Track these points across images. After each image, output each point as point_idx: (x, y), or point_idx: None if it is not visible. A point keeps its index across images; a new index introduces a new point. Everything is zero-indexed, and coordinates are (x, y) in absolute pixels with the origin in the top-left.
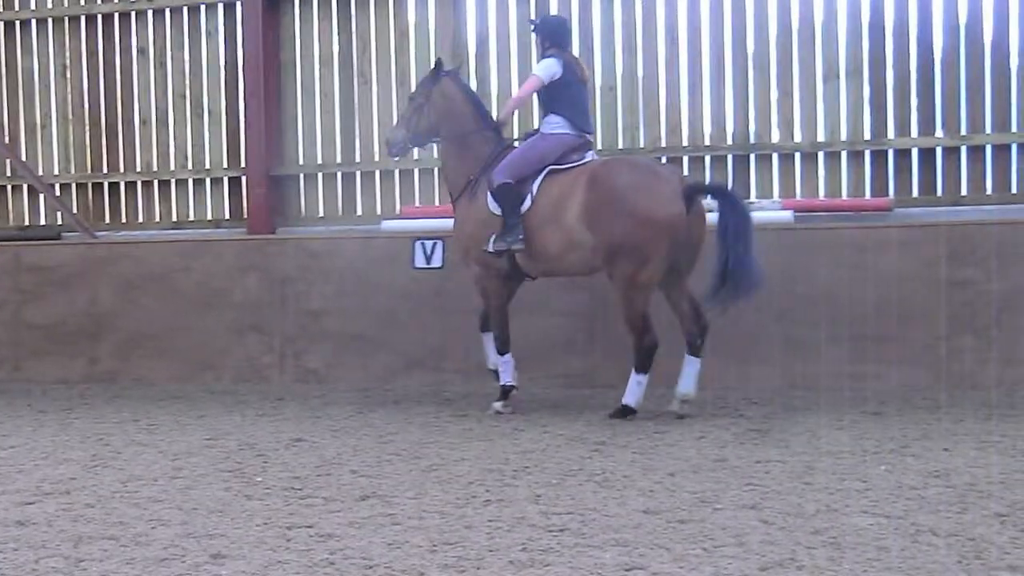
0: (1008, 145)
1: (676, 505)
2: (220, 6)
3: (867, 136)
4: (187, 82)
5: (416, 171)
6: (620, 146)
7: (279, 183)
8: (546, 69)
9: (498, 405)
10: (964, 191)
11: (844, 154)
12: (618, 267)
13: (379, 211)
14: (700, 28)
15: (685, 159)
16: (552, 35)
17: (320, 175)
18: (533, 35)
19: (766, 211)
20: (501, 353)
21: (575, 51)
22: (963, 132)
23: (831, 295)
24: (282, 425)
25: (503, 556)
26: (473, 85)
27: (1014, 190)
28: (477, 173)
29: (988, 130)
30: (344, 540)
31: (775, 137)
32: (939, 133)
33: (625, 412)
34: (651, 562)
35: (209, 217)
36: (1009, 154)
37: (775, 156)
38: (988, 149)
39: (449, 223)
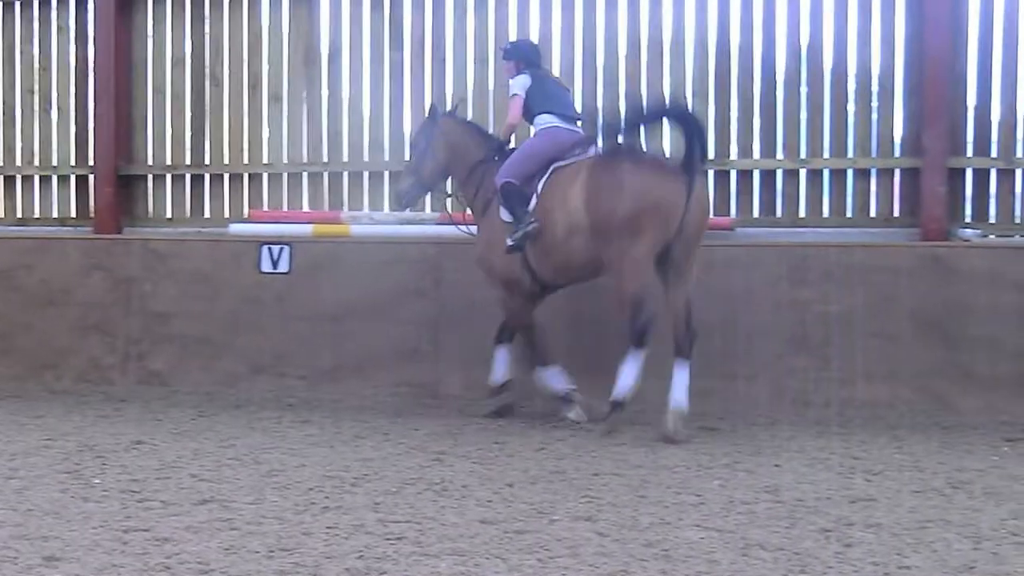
0: (844, 170)
1: (513, 515)
2: (72, 2)
3: (711, 156)
4: (36, 77)
5: (265, 176)
6: None
7: (127, 183)
8: (519, 85)
9: (572, 415)
10: (803, 213)
11: None
12: (612, 243)
13: (227, 214)
14: (551, 41)
15: None
16: (524, 57)
17: (169, 176)
18: (505, 62)
19: None
20: (545, 365)
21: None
22: (803, 155)
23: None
24: (122, 427)
25: (340, 563)
26: (324, 92)
27: (849, 214)
28: (491, 194)
29: (826, 154)
30: (181, 544)
31: None
32: (780, 155)
33: (619, 406)
34: (486, 572)
35: (55, 215)
36: (845, 179)
37: None
38: (826, 173)
39: (297, 228)
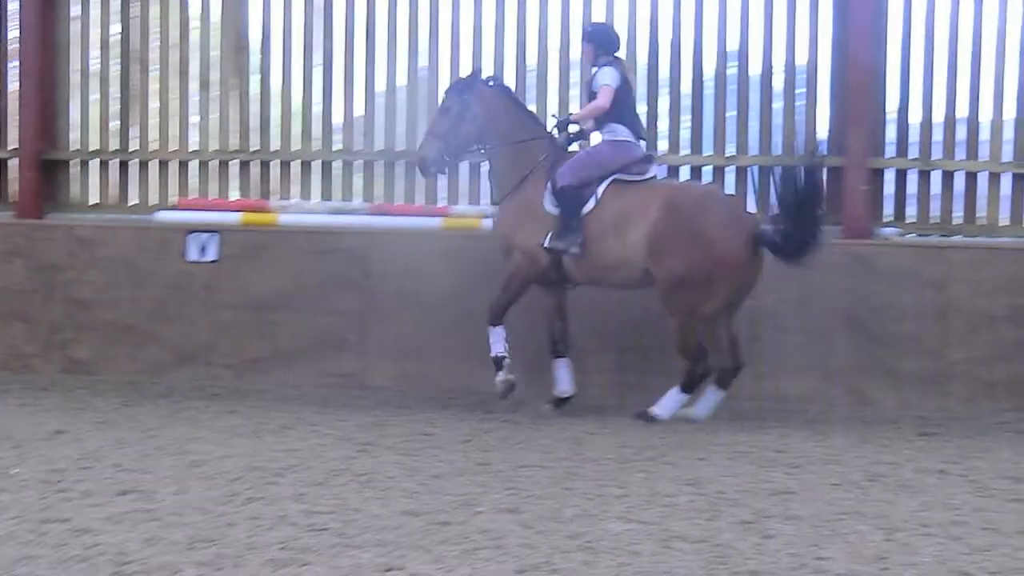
0: (770, 167)
1: (438, 507)
2: None
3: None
4: None
5: (195, 163)
6: (400, 149)
7: (51, 168)
8: (612, 77)
9: (500, 376)
10: None
11: None
12: (682, 297)
13: (153, 201)
14: (482, 33)
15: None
16: (604, 44)
17: (94, 161)
18: (583, 43)
19: None
20: (494, 324)
21: None
22: (730, 153)
23: (601, 306)
24: (43, 416)
25: (262, 554)
26: (255, 80)
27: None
28: (526, 174)
29: (753, 152)
30: (100, 535)
31: None
32: (709, 152)
33: (651, 418)
34: (409, 563)
35: None
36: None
37: None
38: (752, 171)
39: (225, 216)
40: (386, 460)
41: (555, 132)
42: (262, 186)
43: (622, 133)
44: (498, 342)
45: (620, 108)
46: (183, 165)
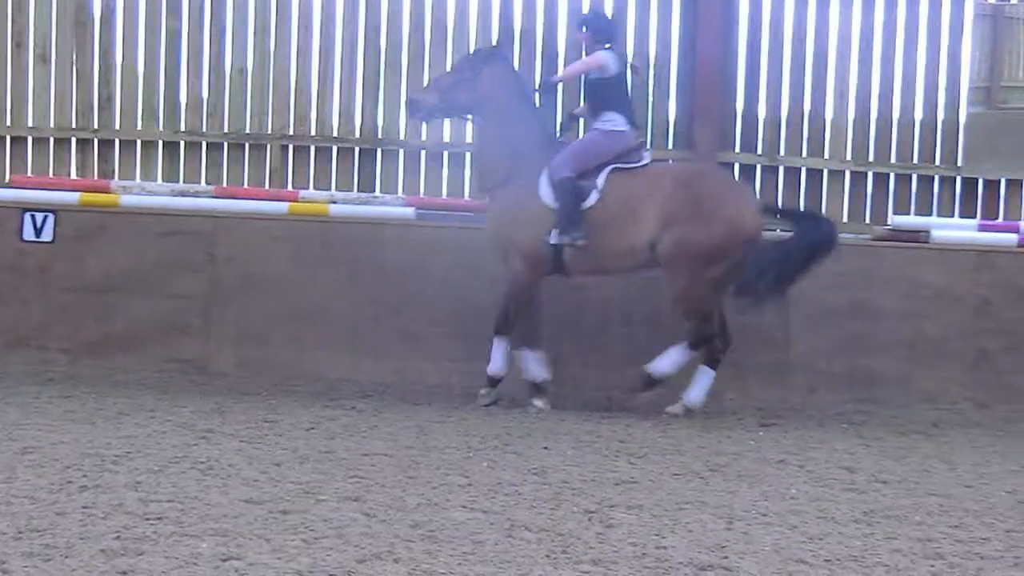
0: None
1: (279, 495)
2: None
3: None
4: None
5: (29, 139)
6: (248, 131)
7: None
8: (609, 59)
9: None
10: None
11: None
12: (689, 261)
13: None
14: (335, 17)
15: (312, 148)
16: (601, 31)
17: None
18: (578, 29)
19: (389, 206)
20: (499, 334)
21: None
22: None
23: (448, 292)
24: None
25: (95, 544)
26: (96, 54)
27: None
28: (519, 162)
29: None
30: None
31: (403, 134)
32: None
33: (653, 382)
34: (248, 552)
35: None
36: None
37: (401, 152)
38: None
39: (63, 196)
40: (227, 447)
41: (538, 97)
42: (103, 166)
43: (619, 122)
44: (498, 358)
45: (614, 96)
46: (18, 140)
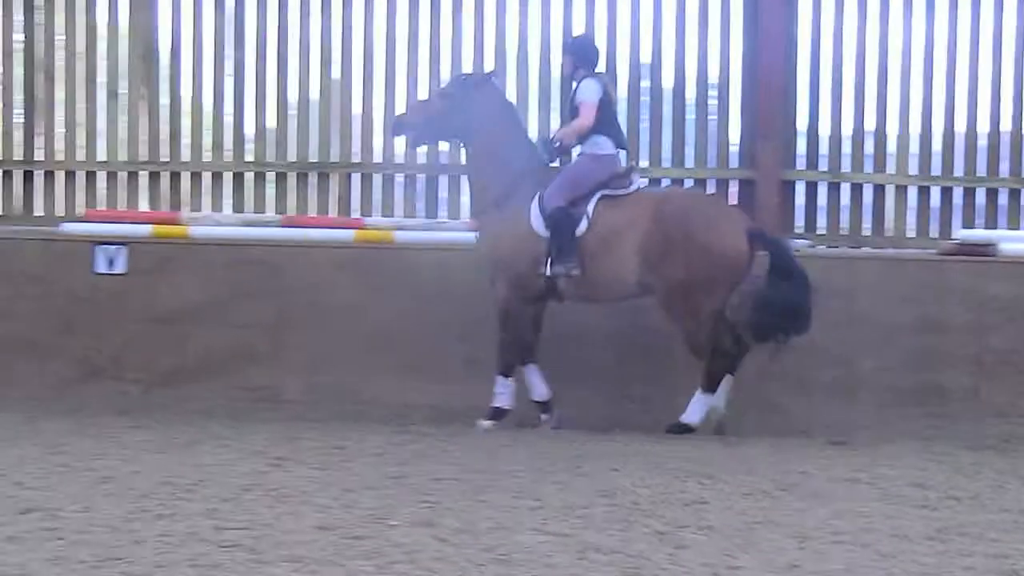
0: (683, 180)
1: (351, 521)
2: None
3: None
4: None
5: (103, 174)
6: (313, 160)
7: None
8: (592, 92)
9: (486, 423)
10: None
11: None
12: (685, 301)
13: (60, 212)
14: (396, 46)
15: (376, 176)
16: (584, 56)
17: None
18: (563, 56)
19: (454, 232)
20: (505, 375)
21: None
22: (643, 165)
23: None
24: None
25: (171, 572)
26: (164, 89)
27: None
28: (509, 188)
29: (666, 164)
30: (1, 555)
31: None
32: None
33: (683, 429)
34: None
35: None
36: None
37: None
38: (665, 183)
39: (135, 228)
40: (298, 474)
41: (547, 153)
42: (172, 198)
43: (605, 147)
44: (504, 394)
45: (602, 121)
46: (91, 175)
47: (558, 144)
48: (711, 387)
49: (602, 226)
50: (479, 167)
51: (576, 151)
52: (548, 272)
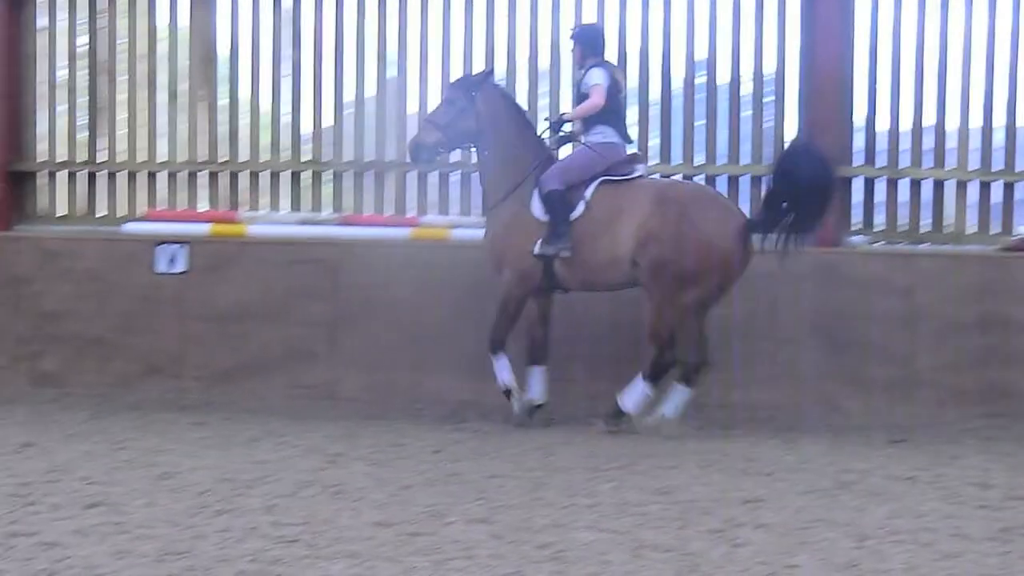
0: (739, 176)
1: (408, 518)
2: None
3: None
4: None
5: (163, 174)
6: (369, 159)
7: (18, 179)
8: (602, 77)
9: (516, 407)
10: None
11: None
12: (663, 283)
13: (122, 212)
14: (450, 45)
15: (432, 175)
16: (591, 45)
17: (62, 173)
18: (572, 44)
19: None
20: (494, 352)
21: None
22: (699, 162)
23: (570, 314)
24: (11, 429)
25: (232, 567)
26: (223, 90)
27: None
28: (519, 182)
29: (722, 161)
30: (68, 549)
31: None
32: (677, 161)
33: (620, 415)
34: (380, 574)
35: None
36: (739, 185)
37: None
38: (721, 179)
39: (194, 228)
40: (356, 471)
41: (548, 134)
42: (231, 197)
43: (608, 135)
44: (502, 370)
45: (607, 109)
46: (151, 176)
47: (568, 123)
48: (654, 376)
49: (600, 209)
50: (489, 166)
51: (582, 140)
52: (537, 251)
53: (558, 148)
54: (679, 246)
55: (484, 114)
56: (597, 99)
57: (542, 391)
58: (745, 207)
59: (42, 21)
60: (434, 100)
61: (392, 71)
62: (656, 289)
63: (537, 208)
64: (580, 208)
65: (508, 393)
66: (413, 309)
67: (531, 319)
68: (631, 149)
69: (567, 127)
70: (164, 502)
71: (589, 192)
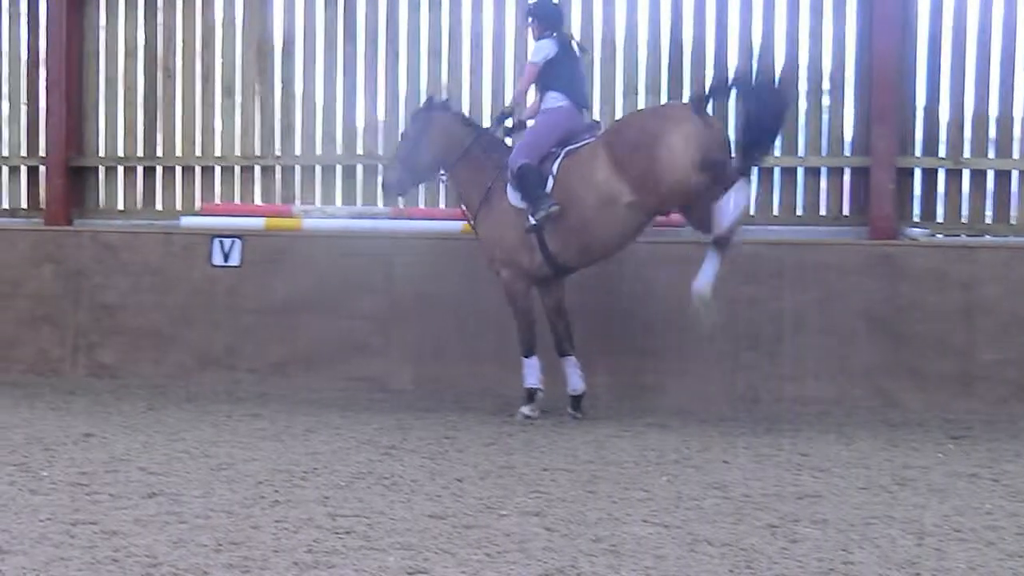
0: (795, 168)
1: (462, 510)
2: None
3: None
4: None
5: (217, 168)
6: None
7: (78, 174)
8: (539, 52)
9: (525, 409)
10: (753, 211)
11: None
12: (659, 191)
13: (179, 207)
14: (504, 37)
15: None
16: (546, 18)
17: (120, 168)
18: (529, 20)
19: None
20: (526, 356)
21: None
22: None
23: (622, 308)
24: (72, 420)
25: (288, 557)
26: (277, 84)
27: (800, 212)
28: (488, 184)
29: (777, 152)
30: (129, 538)
31: None
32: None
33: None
34: (435, 566)
35: (5, 206)
36: (796, 177)
37: None
38: (776, 171)
39: (249, 222)
40: (410, 463)
41: (499, 131)
42: (285, 191)
43: (557, 99)
44: (531, 374)
45: (554, 77)
46: (207, 170)
47: (510, 120)
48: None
49: (567, 178)
50: (458, 182)
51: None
52: (532, 221)
53: (510, 133)
54: (654, 156)
55: (436, 137)
56: (524, 81)
57: (575, 381)
58: (800, 201)
59: (101, 18)
60: (486, 93)
61: (444, 64)
62: (654, 198)
63: (513, 196)
64: (549, 184)
65: (532, 395)
66: (466, 302)
67: (548, 315)
68: (593, 118)
69: (508, 122)
70: (221, 492)
71: (555, 167)
